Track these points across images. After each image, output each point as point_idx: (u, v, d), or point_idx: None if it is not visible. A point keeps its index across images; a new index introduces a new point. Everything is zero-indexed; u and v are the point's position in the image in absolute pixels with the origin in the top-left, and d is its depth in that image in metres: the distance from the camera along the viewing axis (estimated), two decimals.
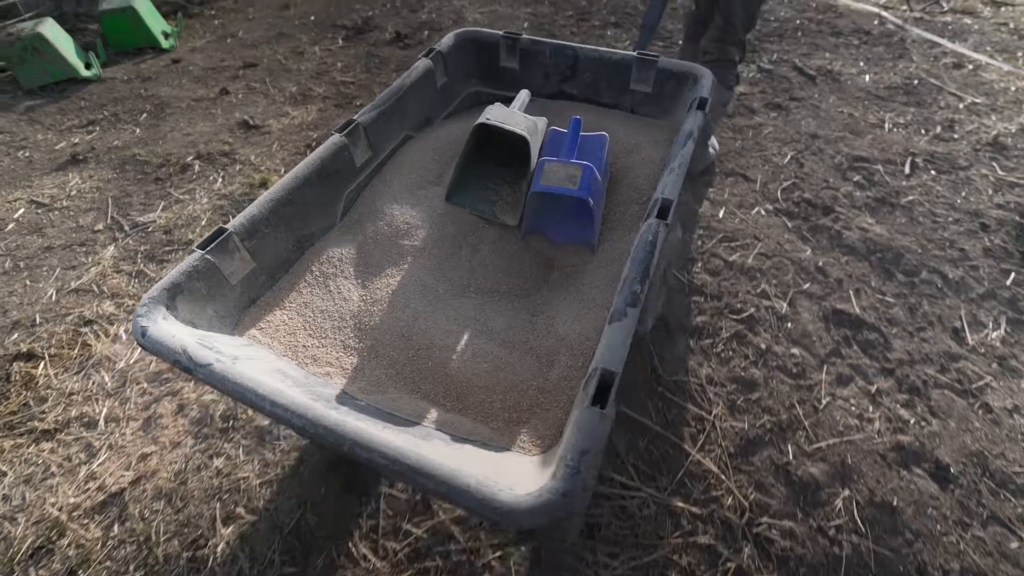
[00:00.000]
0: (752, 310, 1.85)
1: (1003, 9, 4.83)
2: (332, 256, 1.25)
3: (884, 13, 4.42)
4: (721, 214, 2.22)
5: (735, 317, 1.83)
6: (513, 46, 1.66)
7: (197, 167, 2.54)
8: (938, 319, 1.87)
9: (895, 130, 2.81)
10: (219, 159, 2.59)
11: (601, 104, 1.68)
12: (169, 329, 0.90)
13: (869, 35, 3.94)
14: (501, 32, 1.70)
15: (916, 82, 3.30)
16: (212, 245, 1.05)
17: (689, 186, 2.24)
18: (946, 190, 2.41)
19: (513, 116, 1.30)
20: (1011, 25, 4.30)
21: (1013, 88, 3.31)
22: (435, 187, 1.44)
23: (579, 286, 1.22)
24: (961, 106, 3.06)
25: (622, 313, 0.87)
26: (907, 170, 2.50)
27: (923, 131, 2.81)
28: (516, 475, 0.78)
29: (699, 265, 2.00)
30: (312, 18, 4.10)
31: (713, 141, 2.36)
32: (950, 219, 2.26)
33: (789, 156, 2.57)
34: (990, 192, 2.40)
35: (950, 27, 4.23)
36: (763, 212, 2.25)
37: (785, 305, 1.88)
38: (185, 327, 0.96)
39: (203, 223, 2.21)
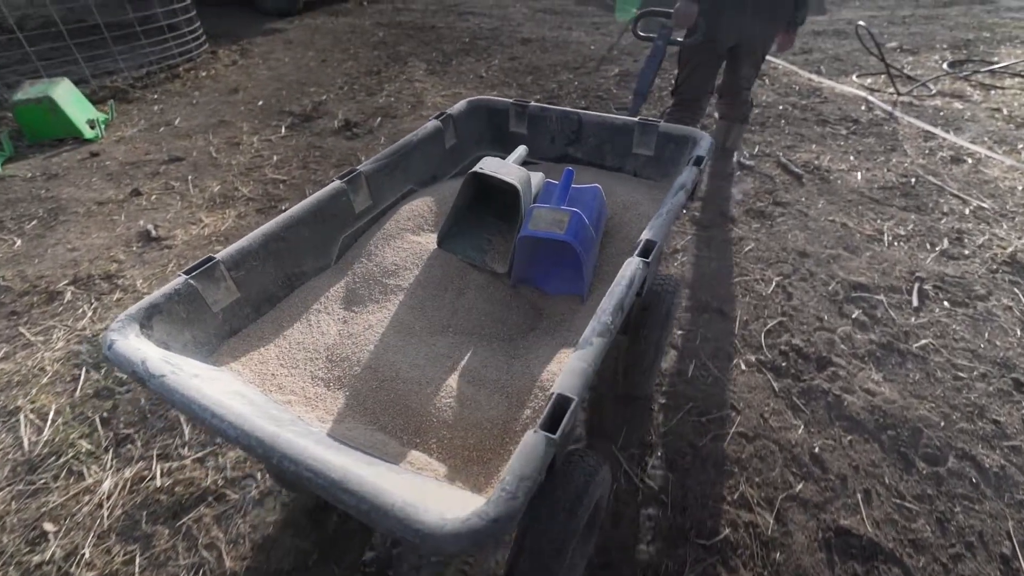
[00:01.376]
0: (727, 530, 1.38)
1: (993, 93, 4.62)
2: (320, 293, 1.27)
3: (871, 97, 4.18)
4: (691, 370, 1.79)
5: (703, 542, 1.35)
6: (522, 112, 1.74)
7: (68, 295, 2.13)
8: (979, 537, 1.40)
9: (896, 244, 2.42)
10: (98, 284, 2.18)
11: (605, 167, 1.73)
12: (136, 344, 0.91)
13: (858, 123, 3.66)
14: (511, 100, 1.78)
15: (914, 181, 2.96)
16: (198, 271, 1.06)
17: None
18: (965, 329, 1.99)
19: (506, 167, 1.30)
20: (1004, 111, 4.06)
21: (1020, 187, 2.97)
22: (430, 233, 1.44)
23: (566, 334, 1.19)
24: (967, 211, 2.70)
25: (588, 342, 0.87)
26: (915, 301, 2.10)
27: (928, 245, 2.42)
28: (453, 502, 0.74)
29: (658, 453, 1.54)
30: (260, 103, 3.84)
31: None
32: (975, 373, 1.82)
33: (774, 283, 2.16)
34: (1018, 333, 1.98)
35: (941, 113, 3.97)
36: (743, 366, 1.82)
37: (771, 521, 1.40)
38: (154, 346, 0.95)
39: (45, 380, 1.76)
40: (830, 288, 2.14)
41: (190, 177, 2.94)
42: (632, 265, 1.03)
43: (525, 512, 0.68)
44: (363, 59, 4.85)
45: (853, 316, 2.02)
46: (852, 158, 3.19)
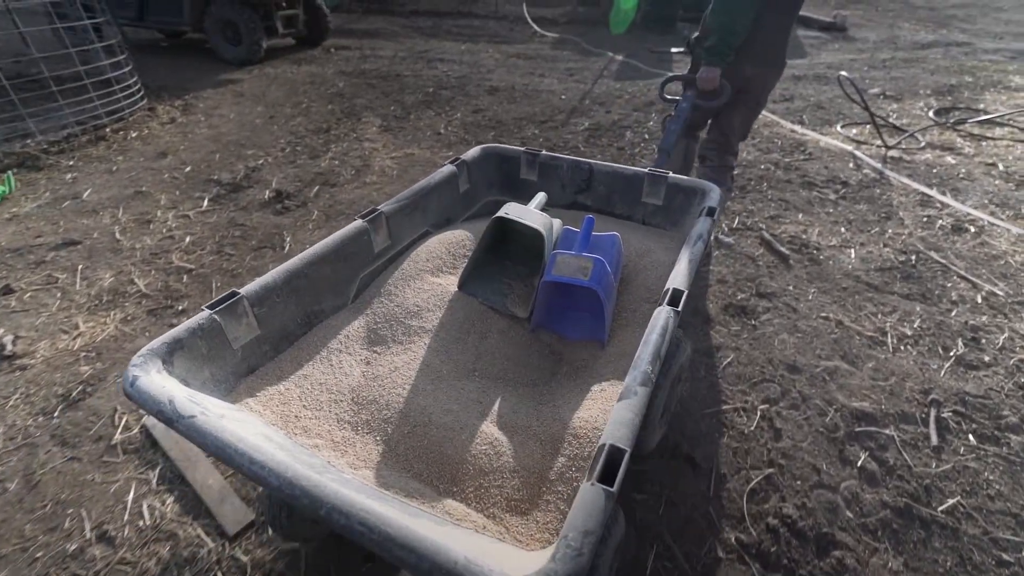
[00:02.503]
0: None
1: (984, 144, 4.36)
2: (339, 332, 1.26)
3: (858, 153, 3.89)
4: (650, 561, 1.34)
5: None
6: (533, 160, 1.79)
7: None
8: None
9: (903, 349, 2.03)
10: None
11: (614, 215, 1.77)
12: (160, 381, 0.89)
13: (847, 186, 3.33)
14: (523, 148, 1.82)
15: (914, 259, 2.60)
16: (222, 306, 1.05)
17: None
18: (1000, 479, 1.57)
19: (530, 213, 1.32)
20: (1000, 167, 3.77)
21: None
22: (449, 275, 1.44)
23: (587, 379, 1.19)
24: (979, 299, 2.33)
25: (632, 391, 0.87)
26: (933, 437, 1.68)
27: (940, 350, 2.03)
28: (509, 560, 0.70)
29: None
30: (188, 169, 3.47)
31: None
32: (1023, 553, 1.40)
33: (759, 414, 1.75)
34: None
35: (934, 171, 3.67)
36: (720, 551, 1.38)
37: None
38: (178, 383, 0.93)
39: None
40: (828, 420, 1.73)
41: (80, 267, 2.52)
42: (664, 314, 1.04)
43: None
44: (315, 114, 4.53)
45: (859, 463, 1.60)
46: (843, 230, 2.84)
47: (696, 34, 2.18)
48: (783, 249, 2.59)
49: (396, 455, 1.01)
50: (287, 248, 2.67)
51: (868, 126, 4.58)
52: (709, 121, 2.40)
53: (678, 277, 1.15)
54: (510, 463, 0.98)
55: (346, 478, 0.91)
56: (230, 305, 1.06)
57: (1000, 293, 2.36)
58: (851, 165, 3.67)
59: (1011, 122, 4.70)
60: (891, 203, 3.12)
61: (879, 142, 4.15)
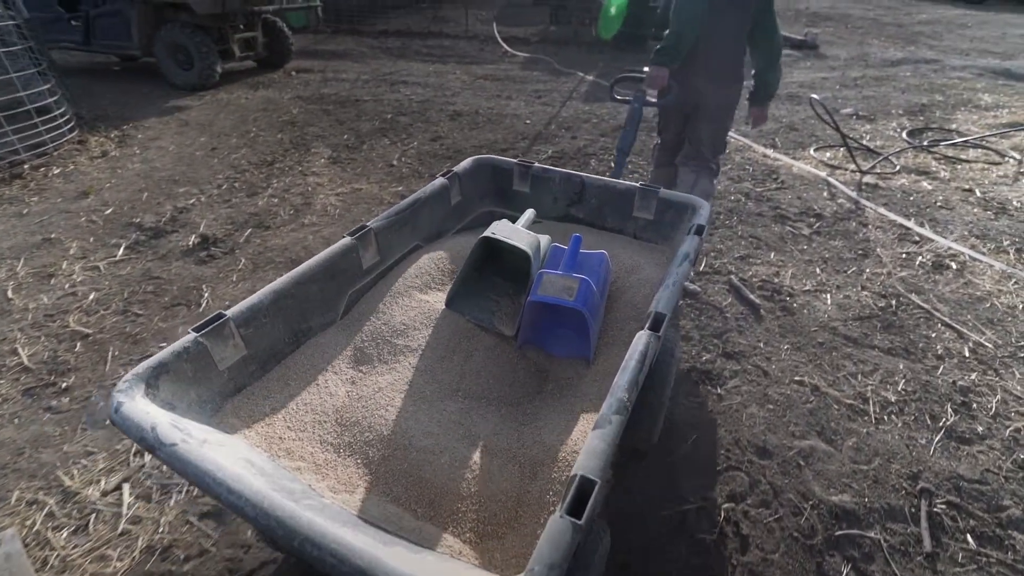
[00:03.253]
0: None
1: (959, 167, 4.24)
2: (326, 350, 1.25)
3: (832, 180, 3.71)
4: None
5: None
6: (525, 172, 1.77)
7: None
8: None
9: (886, 419, 1.79)
10: None
11: (605, 228, 1.75)
12: (143, 407, 0.88)
13: (821, 218, 3.13)
14: (515, 160, 1.80)
15: (895, 304, 2.39)
16: (208, 329, 1.04)
17: None
18: None
19: (517, 232, 1.33)
20: (977, 193, 3.62)
21: (1020, 304, 2.42)
22: (437, 292, 1.44)
23: (572, 399, 1.19)
24: (966, 351, 2.11)
25: (607, 420, 0.86)
26: (926, 541, 1.43)
27: (928, 419, 1.80)
28: None
29: None
30: (108, 211, 3.15)
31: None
32: None
33: (722, 518, 1.48)
34: None
35: (911, 198, 3.50)
36: None
37: None
38: (160, 408, 0.92)
39: None
40: (803, 520, 1.47)
41: None
42: (643, 339, 1.02)
43: None
44: (261, 145, 4.25)
45: None
46: (819, 271, 2.62)
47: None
48: (754, 297, 2.36)
49: (376, 478, 1.01)
50: (203, 306, 2.37)
51: (842, 149, 4.43)
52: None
53: (662, 300, 1.14)
54: (488, 488, 0.99)
55: (325, 503, 0.92)
56: (216, 327, 1.05)
57: (988, 344, 2.15)
58: (825, 194, 3.48)
59: (984, 143, 4.59)
60: (868, 238, 2.93)
61: (853, 166, 3.99)
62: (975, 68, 8.12)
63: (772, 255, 2.74)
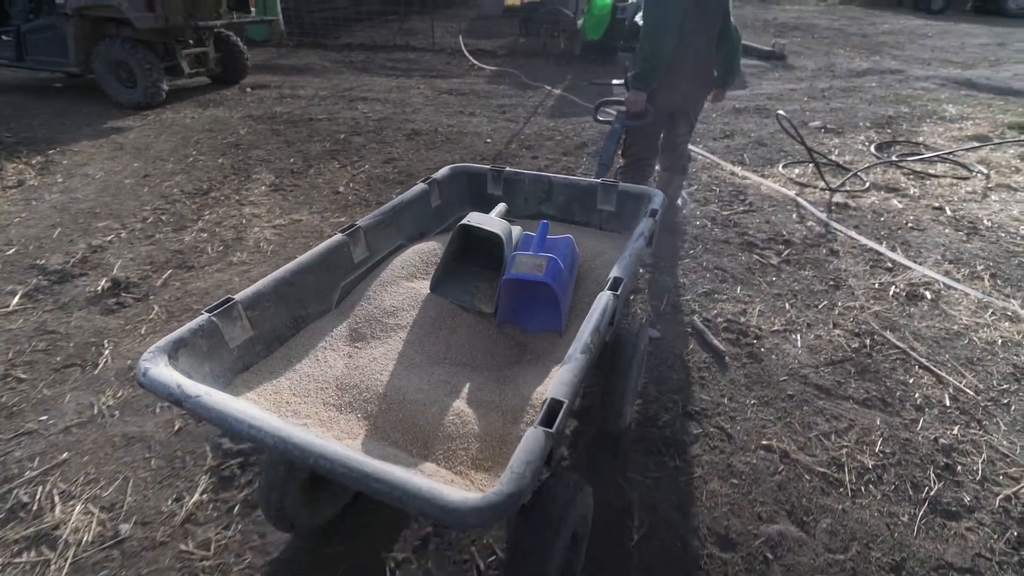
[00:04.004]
0: None
1: (928, 183, 4.14)
2: (324, 332, 1.38)
3: (802, 201, 3.56)
4: None
5: None
6: (498, 176, 1.95)
7: None
8: None
9: (864, 492, 1.59)
10: None
11: (574, 222, 1.92)
12: (167, 371, 1.00)
13: (791, 245, 2.96)
14: (488, 167, 1.98)
15: (869, 344, 2.21)
16: (219, 310, 1.17)
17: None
18: None
19: (491, 221, 1.47)
20: (948, 211, 3.51)
21: (999, 339, 2.26)
22: (422, 280, 1.57)
23: (548, 363, 1.31)
24: (946, 399, 1.93)
25: (573, 358, 1.03)
26: None
27: (909, 488, 1.60)
28: (468, 492, 0.82)
29: None
30: (11, 252, 2.82)
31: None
32: None
33: None
34: None
35: (881, 218, 3.37)
36: None
37: None
38: (180, 375, 1.02)
39: None
40: None
41: None
42: (604, 297, 1.20)
43: (514, 529, 1.01)
44: (199, 170, 3.94)
45: None
46: (788, 306, 2.44)
47: (631, 71, 2.42)
48: (718, 343, 2.15)
49: (375, 427, 1.13)
50: (101, 366, 2.08)
51: (811, 166, 4.32)
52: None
53: (619, 267, 1.31)
54: (475, 430, 1.10)
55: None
56: (226, 309, 1.17)
57: (969, 390, 1.97)
58: (794, 216, 3.33)
59: (952, 157, 4.53)
60: (839, 266, 2.76)
61: (823, 184, 3.86)
62: (938, 78, 8.19)
63: (739, 289, 2.54)
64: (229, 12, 6.28)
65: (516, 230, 1.59)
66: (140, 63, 5.46)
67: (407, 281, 1.55)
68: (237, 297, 1.22)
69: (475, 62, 8.11)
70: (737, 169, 4.18)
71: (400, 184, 3.73)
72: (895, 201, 3.70)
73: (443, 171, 1.96)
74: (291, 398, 1.19)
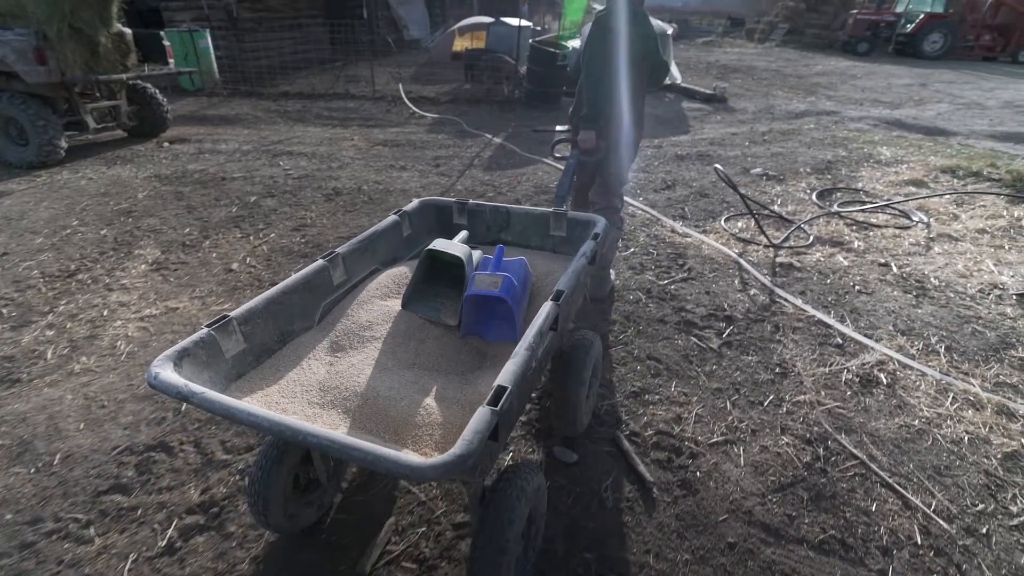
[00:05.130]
0: None
1: (871, 234, 4.02)
2: (308, 345, 1.55)
3: (744, 263, 3.32)
4: None
5: None
6: (462, 208, 2.15)
7: None
8: None
9: None
10: None
11: (530, 247, 2.11)
12: (173, 375, 1.16)
13: (733, 321, 2.67)
14: (454, 200, 2.18)
15: (823, 453, 1.88)
16: (217, 324, 1.32)
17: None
18: None
19: (454, 245, 1.66)
20: (894, 268, 3.33)
21: (964, 435, 1.97)
22: (395, 299, 1.75)
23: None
24: (916, 534, 1.60)
25: (518, 353, 1.20)
26: None
27: None
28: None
29: None
30: None
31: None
32: None
33: None
34: None
35: (827, 280, 3.14)
36: None
37: None
38: (184, 380, 1.18)
39: None
40: None
41: None
42: (547, 306, 1.38)
43: (481, 507, 1.22)
44: (73, 246, 3.43)
45: None
46: (730, 405, 2.10)
47: (571, 107, 2.72)
48: (644, 471, 1.77)
49: (353, 420, 1.29)
50: None
51: (754, 219, 4.15)
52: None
53: (562, 281, 1.51)
54: (439, 419, 1.26)
55: None
56: (223, 324, 1.33)
57: (940, 519, 1.65)
58: (737, 283, 3.06)
59: (890, 203, 4.45)
60: (786, 348, 2.47)
61: (766, 240, 3.65)
62: (870, 119, 8.45)
63: (674, 386, 2.20)
64: (141, 64, 5.86)
65: (476, 254, 1.77)
66: (32, 120, 4.94)
67: (381, 300, 1.71)
68: (232, 314, 1.37)
69: (415, 110, 7.89)
70: (678, 225, 3.95)
71: (305, 257, 3.31)
72: (840, 257, 3.52)
73: (413, 204, 2.16)
74: (279, 399, 1.33)
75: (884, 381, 2.27)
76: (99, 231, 3.65)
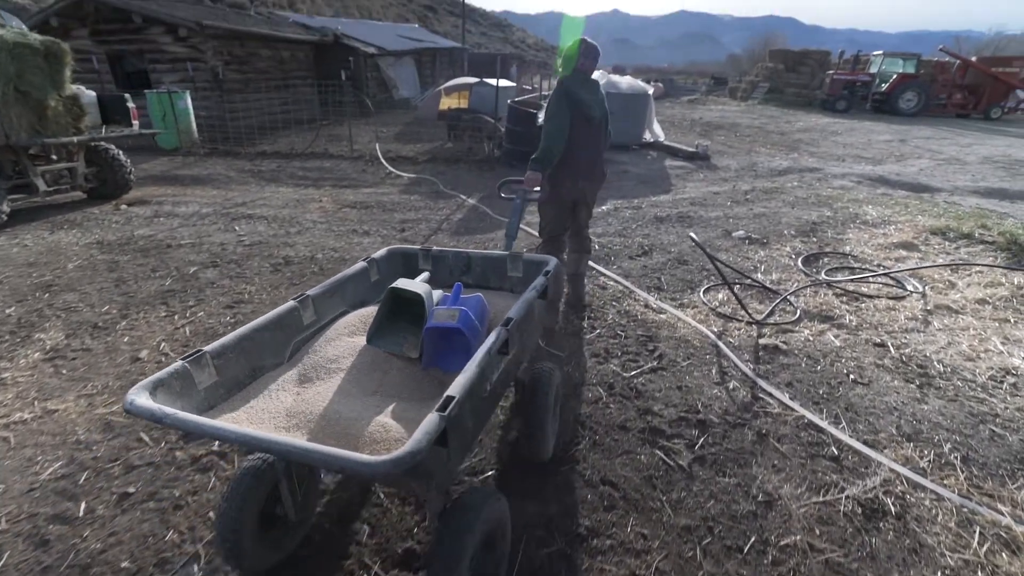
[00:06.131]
0: None
1: (863, 306, 3.69)
2: (277, 378, 1.60)
3: (723, 346, 2.96)
4: None
5: None
6: (427, 255, 2.29)
7: None
8: None
9: None
10: None
11: (490, 288, 2.23)
12: (148, 402, 1.23)
13: (707, 429, 2.26)
14: (419, 247, 2.30)
15: None
16: (191, 358, 1.40)
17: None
18: None
19: (414, 284, 1.76)
20: (891, 348, 2.96)
21: None
22: (360, 336, 1.79)
23: None
24: None
25: (468, 370, 1.31)
26: None
27: None
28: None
29: None
30: None
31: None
32: None
33: None
34: None
35: (818, 366, 2.76)
36: None
37: None
38: (158, 404, 1.25)
39: None
40: None
41: None
42: (498, 330, 1.50)
43: (436, 527, 1.31)
44: None
45: None
46: (700, 557, 1.66)
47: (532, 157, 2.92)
48: None
49: (314, 437, 1.34)
50: None
51: (736, 287, 3.82)
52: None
53: (513, 310, 1.64)
54: (396, 436, 1.31)
55: None
56: (197, 358, 1.40)
57: None
58: (714, 374, 2.68)
59: (882, 270, 4.14)
60: (771, 464, 2.05)
61: (748, 316, 3.30)
62: (853, 175, 8.36)
63: (631, 524, 1.77)
64: (101, 126, 5.70)
65: (437, 292, 1.86)
66: None
67: (348, 337, 1.78)
68: (206, 348, 1.44)
69: (392, 169, 7.75)
70: (652, 299, 3.61)
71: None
72: (831, 335, 3.16)
73: (381, 252, 2.26)
74: (247, 424, 1.39)
75: (893, 510, 1.85)
76: (5, 310, 3.27)
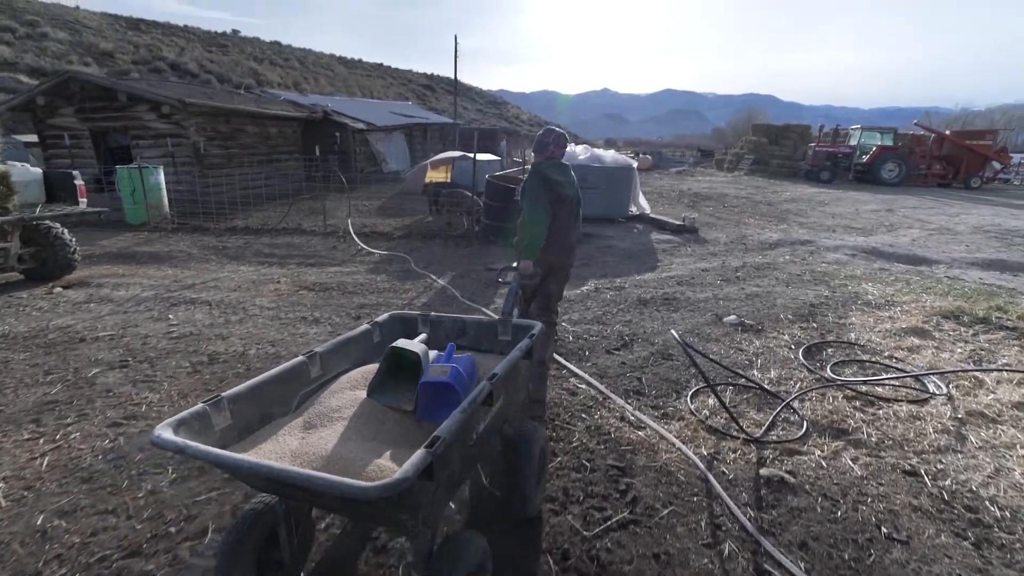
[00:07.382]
0: None
1: (880, 413, 3.09)
2: (284, 425, 1.77)
3: (714, 481, 2.32)
4: None
5: None
6: (426, 319, 2.45)
7: None
8: None
9: None
10: None
11: (482, 351, 2.37)
12: (172, 436, 1.40)
13: None
14: (418, 312, 2.48)
15: None
16: (210, 401, 1.59)
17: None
18: None
19: (412, 344, 1.94)
20: (927, 478, 2.32)
21: None
22: (362, 390, 1.94)
23: None
24: None
25: (454, 416, 1.47)
26: None
27: None
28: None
29: None
30: None
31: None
32: None
33: None
34: None
35: (839, 510, 2.13)
36: None
37: None
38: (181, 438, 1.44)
39: None
40: None
41: None
42: (483, 384, 1.67)
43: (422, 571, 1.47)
44: None
45: None
46: None
47: (514, 239, 3.07)
48: None
49: (316, 471, 1.42)
50: None
51: (729, 388, 3.25)
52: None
53: (499, 367, 1.80)
54: (389, 474, 1.35)
55: None
56: (216, 401, 1.60)
57: None
58: (704, 530, 2.05)
59: (895, 363, 3.59)
60: None
61: (737, 428, 2.71)
62: (847, 248, 8.03)
63: None
64: (37, 205, 5.33)
65: (433, 352, 2.02)
66: None
67: (351, 390, 1.94)
68: (225, 394, 1.63)
69: (364, 246, 7.37)
70: (630, 408, 3.03)
71: (86, 482, 2.29)
72: (847, 458, 2.56)
73: (384, 316, 2.45)
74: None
75: None
76: None
